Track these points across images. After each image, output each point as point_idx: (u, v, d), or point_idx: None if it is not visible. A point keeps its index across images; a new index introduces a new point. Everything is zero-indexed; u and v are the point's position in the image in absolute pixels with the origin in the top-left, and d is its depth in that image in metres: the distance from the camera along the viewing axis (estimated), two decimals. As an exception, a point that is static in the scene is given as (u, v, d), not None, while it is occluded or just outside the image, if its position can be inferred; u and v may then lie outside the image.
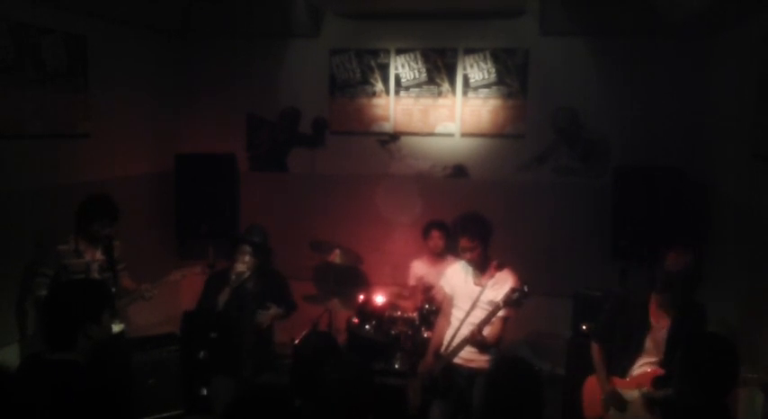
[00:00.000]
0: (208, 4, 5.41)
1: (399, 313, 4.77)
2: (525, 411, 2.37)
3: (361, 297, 5.12)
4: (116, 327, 3.99)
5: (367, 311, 4.91)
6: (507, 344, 4.88)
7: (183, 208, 5.40)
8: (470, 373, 3.72)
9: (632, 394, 3.29)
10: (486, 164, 5.39)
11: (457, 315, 3.79)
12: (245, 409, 2.13)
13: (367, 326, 4.79)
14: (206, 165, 5.42)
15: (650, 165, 4.93)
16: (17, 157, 3.96)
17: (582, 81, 5.16)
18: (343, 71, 5.55)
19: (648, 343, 3.31)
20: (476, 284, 3.74)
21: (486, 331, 3.63)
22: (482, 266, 3.74)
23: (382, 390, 4.37)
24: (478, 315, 3.66)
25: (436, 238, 4.77)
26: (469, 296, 3.73)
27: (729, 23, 4.23)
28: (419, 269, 4.93)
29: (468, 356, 3.71)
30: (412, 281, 4.97)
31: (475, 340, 3.61)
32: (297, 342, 4.86)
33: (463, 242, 3.69)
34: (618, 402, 3.30)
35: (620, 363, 3.37)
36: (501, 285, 3.65)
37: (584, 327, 4.51)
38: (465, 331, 3.68)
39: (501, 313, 3.58)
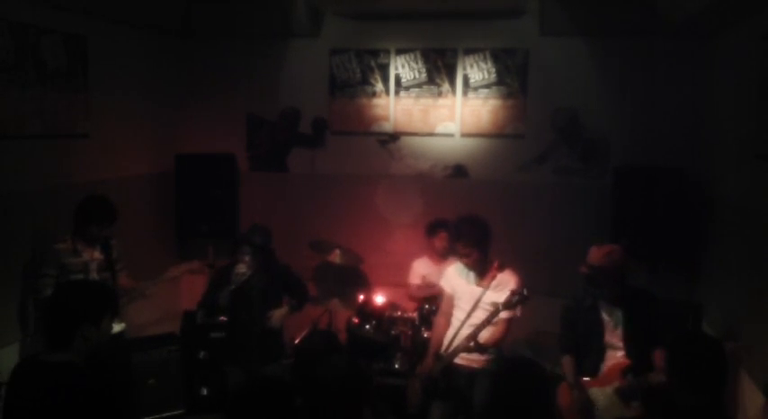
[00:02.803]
0: (208, 4, 5.41)
1: (399, 313, 4.77)
2: (533, 412, 2.38)
3: (361, 297, 5.13)
4: (116, 327, 3.99)
5: (367, 311, 4.91)
6: (507, 344, 4.89)
7: (182, 208, 5.39)
8: (471, 373, 3.72)
9: (606, 391, 3.38)
10: (486, 164, 5.39)
11: (458, 315, 3.78)
12: (249, 401, 2.15)
13: (367, 326, 4.80)
14: (206, 165, 5.42)
15: (650, 165, 4.92)
16: (17, 157, 3.95)
17: (582, 81, 5.16)
18: (343, 71, 5.55)
19: (609, 341, 3.45)
20: (478, 285, 3.73)
21: (488, 333, 3.62)
22: (482, 269, 3.73)
23: (382, 390, 4.38)
24: (480, 316, 3.65)
25: (443, 239, 4.71)
26: (471, 296, 3.71)
27: (729, 23, 4.23)
28: (422, 267, 4.90)
29: (469, 356, 3.70)
30: (414, 280, 4.93)
31: (470, 347, 3.59)
32: (297, 341, 4.88)
33: (459, 247, 3.70)
34: (589, 409, 3.38)
35: (590, 366, 3.49)
36: (504, 286, 3.65)
37: None
38: (466, 332, 3.67)
39: (503, 314, 3.58)
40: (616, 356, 3.43)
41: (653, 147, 5.03)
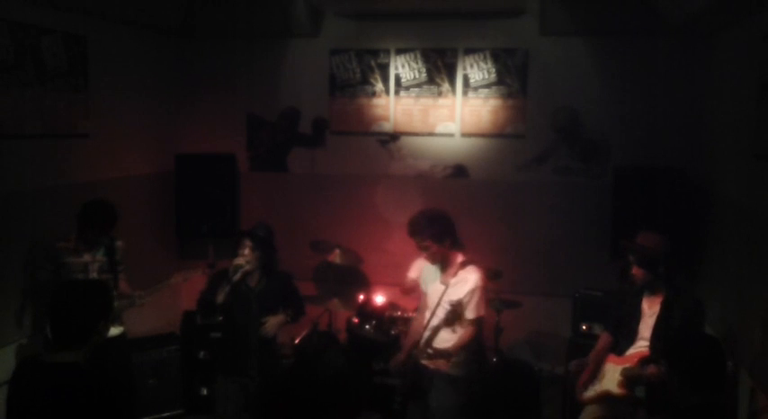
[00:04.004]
0: (208, 4, 5.41)
1: (399, 313, 4.77)
2: (524, 412, 2.38)
3: (361, 297, 5.13)
4: (115, 330, 3.98)
5: (367, 311, 4.91)
6: (507, 344, 4.89)
7: (183, 208, 5.39)
8: (431, 375, 3.63)
9: (616, 368, 3.47)
10: (486, 164, 5.39)
11: (426, 315, 3.73)
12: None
13: (367, 326, 4.80)
14: (206, 165, 5.42)
15: (650, 165, 4.92)
16: (17, 157, 3.95)
17: (582, 81, 5.16)
18: (344, 71, 5.55)
19: (642, 329, 3.48)
20: (441, 282, 3.66)
21: (450, 335, 3.57)
22: (443, 264, 3.65)
23: (382, 390, 4.37)
24: (440, 314, 3.61)
25: None
26: (436, 295, 3.65)
27: (729, 23, 4.23)
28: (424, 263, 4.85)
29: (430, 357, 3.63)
30: (412, 274, 4.88)
31: (429, 354, 3.54)
32: (297, 341, 4.88)
33: (416, 242, 3.61)
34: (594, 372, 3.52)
35: (621, 347, 3.56)
36: (463, 284, 3.56)
37: (583, 327, 4.51)
38: (429, 333, 3.62)
39: (469, 315, 3.53)
40: (642, 345, 3.47)
41: (653, 147, 5.03)
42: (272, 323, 3.80)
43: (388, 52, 5.47)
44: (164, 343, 4.74)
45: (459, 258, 3.66)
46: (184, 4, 5.34)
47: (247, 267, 3.71)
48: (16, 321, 3.97)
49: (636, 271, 3.45)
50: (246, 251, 3.73)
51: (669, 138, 5.01)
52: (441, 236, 3.58)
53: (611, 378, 3.47)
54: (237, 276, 3.68)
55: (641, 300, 3.50)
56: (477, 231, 5.21)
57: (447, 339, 3.59)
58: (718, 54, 4.63)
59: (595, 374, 3.57)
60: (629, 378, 3.37)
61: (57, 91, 4.25)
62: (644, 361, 3.38)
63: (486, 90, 5.32)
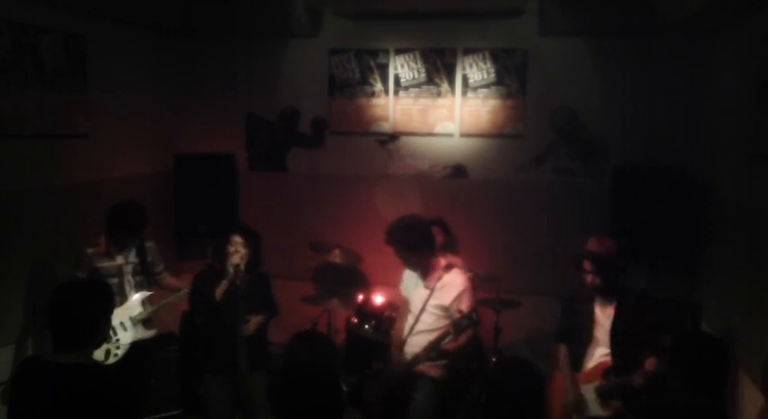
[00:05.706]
0: (208, 3, 5.41)
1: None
2: (526, 410, 2.38)
3: (361, 297, 5.13)
4: (149, 333, 4.04)
5: (366, 311, 4.92)
6: (506, 344, 4.89)
7: (182, 208, 5.38)
8: (414, 375, 3.62)
9: (587, 388, 3.43)
10: (486, 165, 5.39)
11: (409, 320, 3.70)
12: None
13: (366, 326, 4.80)
14: (205, 165, 5.41)
15: (650, 165, 4.92)
16: (17, 157, 3.95)
17: (581, 81, 5.16)
18: (343, 71, 5.55)
19: (597, 335, 3.46)
20: (425, 287, 3.64)
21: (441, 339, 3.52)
22: (425, 270, 3.63)
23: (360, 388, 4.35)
24: (427, 319, 3.59)
25: (436, 233, 4.70)
26: (420, 300, 3.63)
27: (729, 23, 4.23)
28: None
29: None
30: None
31: (432, 357, 3.51)
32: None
33: (395, 252, 3.59)
34: (580, 405, 3.41)
35: (576, 358, 3.51)
36: (449, 287, 3.56)
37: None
38: (418, 338, 3.59)
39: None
40: (602, 354, 3.44)
41: (653, 147, 5.03)
42: (254, 322, 3.81)
43: (387, 52, 5.47)
44: (163, 343, 4.73)
45: (443, 262, 3.66)
46: (184, 3, 5.34)
47: (241, 264, 3.74)
48: (16, 321, 3.97)
49: (591, 278, 3.43)
50: (240, 247, 3.75)
51: (669, 138, 5.00)
52: (417, 246, 3.56)
53: (589, 400, 3.42)
54: (238, 276, 3.71)
55: (593, 307, 3.48)
56: (476, 231, 5.23)
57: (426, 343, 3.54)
58: (717, 54, 4.63)
59: (572, 386, 3.48)
60: (604, 395, 3.35)
61: (56, 91, 4.25)
62: (608, 371, 3.37)
63: (485, 90, 5.32)
